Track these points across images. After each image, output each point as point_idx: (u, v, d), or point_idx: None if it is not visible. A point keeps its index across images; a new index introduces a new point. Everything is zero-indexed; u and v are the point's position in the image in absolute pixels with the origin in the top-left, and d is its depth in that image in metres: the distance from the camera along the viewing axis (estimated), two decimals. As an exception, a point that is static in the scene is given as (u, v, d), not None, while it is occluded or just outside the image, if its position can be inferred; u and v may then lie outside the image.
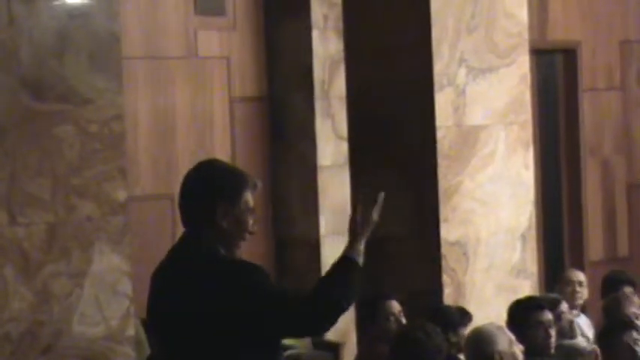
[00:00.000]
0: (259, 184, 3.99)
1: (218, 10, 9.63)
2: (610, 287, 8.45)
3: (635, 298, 8.03)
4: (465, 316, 6.83)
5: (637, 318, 7.60)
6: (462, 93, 7.47)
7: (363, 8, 8.02)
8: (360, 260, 3.81)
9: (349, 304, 3.94)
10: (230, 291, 3.78)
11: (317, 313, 3.85)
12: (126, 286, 6.32)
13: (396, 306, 6.75)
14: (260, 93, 10.13)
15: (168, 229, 7.05)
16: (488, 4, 7.75)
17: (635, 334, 6.60)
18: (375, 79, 7.89)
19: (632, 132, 12.05)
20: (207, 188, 3.93)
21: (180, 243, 4.00)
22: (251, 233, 3.94)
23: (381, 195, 3.96)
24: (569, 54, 11.70)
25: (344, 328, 8.50)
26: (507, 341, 5.58)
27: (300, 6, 9.89)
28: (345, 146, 8.81)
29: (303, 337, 4.87)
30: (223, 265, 3.89)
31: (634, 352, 6.45)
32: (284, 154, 10.20)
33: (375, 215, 3.89)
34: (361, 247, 3.82)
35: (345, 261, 3.80)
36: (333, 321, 3.89)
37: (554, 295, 8.19)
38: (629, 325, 6.80)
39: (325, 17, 9.73)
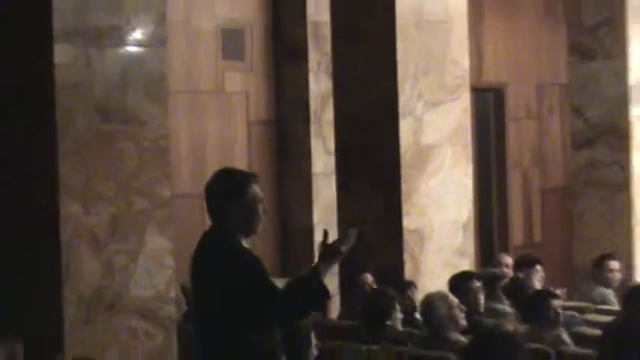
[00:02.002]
0: (259, 179, 3.86)
1: (239, 56, 9.60)
2: (522, 264, 8.20)
3: (542, 273, 7.92)
4: (411, 284, 6.97)
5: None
6: (419, 120, 7.57)
7: (347, 57, 7.94)
8: (322, 279, 3.66)
9: (303, 315, 3.98)
10: (231, 275, 3.69)
11: (279, 315, 3.81)
12: (169, 261, 6.34)
13: (369, 277, 6.85)
14: (270, 118, 10.05)
15: (199, 219, 6.74)
16: (440, 54, 7.76)
17: (555, 302, 6.39)
18: (355, 108, 7.83)
19: (544, 150, 11.73)
20: (218, 191, 3.85)
21: (207, 232, 3.92)
22: (261, 220, 3.84)
23: (354, 231, 3.81)
24: (498, 92, 11.58)
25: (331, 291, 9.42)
26: (447, 306, 5.70)
27: (300, 54, 9.71)
28: (332, 159, 8.72)
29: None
30: (236, 250, 3.79)
31: (557, 314, 6.20)
32: (287, 164, 10.03)
33: (344, 249, 3.73)
34: (326, 270, 3.66)
35: (309, 282, 3.69)
36: (290, 321, 4.02)
37: (488, 270, 8.04)
38: (551, 294, 6.47)
39: (318, 63, 9.53)
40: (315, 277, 3.67)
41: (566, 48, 10.52)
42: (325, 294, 3.74)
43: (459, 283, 6.54)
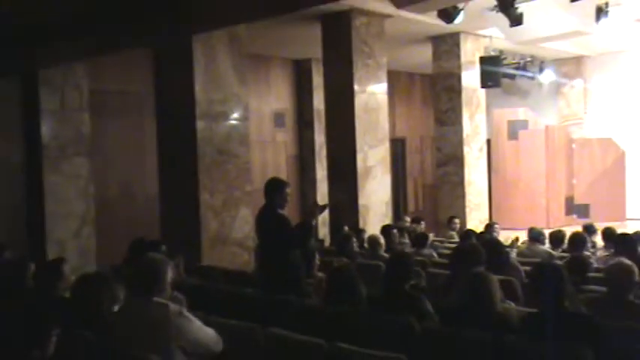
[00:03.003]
0: (289, 184, 5.08)
1: (282, 125, 11.65)
2: (414, 221, 9.93)
3: (424, 225, 9.55)
4: (363, 230, 8.19)
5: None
6: (366, 155, 9.16)
7: (331, 125, 9.47)
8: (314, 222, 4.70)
9: (308, 242, 4.84)
10: (279, 224, 4.85)
11: (299, 242, 4.75)
12: (250, 220, 7.49)
13: (345, 228, 7.91)
14: (296, 154, 11.90)
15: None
16: (374, 123, 9.25)
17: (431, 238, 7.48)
18: (335, 149, 9.38)
19: (424, 167, 13.77)
20: (271, 187, 4.95)
21: (263, 206, 4.93)
22: (288, 202, 4.93)
23: (327, 205, 5.37)
24: (402, 141, 13.44)
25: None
26: (380, 240, 6.92)
27: (310, 124, 11.80)
28: (325, 173, 9.97)
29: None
30: (277, 214, 4.85)
31: (426, 239, 7.29)
32: (304, 175, 11.99)
33: (319, 213, 4.98)
34: (314, 218, 4.81)
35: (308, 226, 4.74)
36: (304, 245, 4.83)
37: (399, 224, 9.60)
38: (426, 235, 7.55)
39: (319, 128, 11.42)
40: (309, 223, 4.78)
41: (433, 119, 11.53)
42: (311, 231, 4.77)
43: (385, 230, 7.81)
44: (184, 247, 6.49)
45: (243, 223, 8.11)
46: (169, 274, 3.22)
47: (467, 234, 7.42)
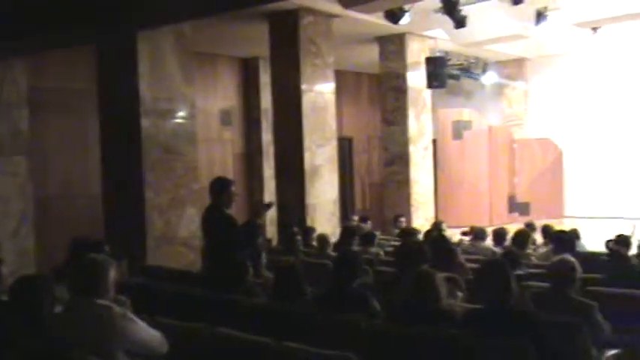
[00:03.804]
0: (235, 183, 5.14)
1: (229, 123, 11.57)
2: (362, 220, 9.99)
3: (370, 224, 9.54)
4: (313, 228, 8.23)
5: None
6: (314, 154, 9.12)
7: (279, 124, 9.42)
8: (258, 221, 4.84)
9: (252, 240, 4.83)
10: (225, 224, 4.88)
11: (244, 242, 4.77)
12: (196, 219, 7.21)
13: (294, 228, 7.65)
14: (243, 152, 11.86)
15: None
16: (322, 122, 9.23)
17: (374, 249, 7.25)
18: (283, 147, 9.33)
19: (371, 166, 13.83)
20: (218, 186, 4.99)
21: (209, 206, 5.00)
22: (234, 201, 4.95)
23: (273, 203, 5.52)
24: (350, 140, 13.59)
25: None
26: (326, 238, 7.10)
27: (257, 122, 11.78)
28: (273, 170, 10.00)
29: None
30: (224, 214, 4.90)
31: (373, 238, 7.32)
32: (251, 173, 11.86)
33: (264, 212, 5.19)
34: (260, 217, 5.04)
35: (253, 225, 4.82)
36: (249, 244, 4.83)
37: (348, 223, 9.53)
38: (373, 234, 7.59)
39: (266, 127, 11.43)
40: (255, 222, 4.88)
41: (380, 119, 11.59)
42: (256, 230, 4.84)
43: (345, 228, 8.01)
44: (129, 247, 6.42)
45: (190, 222, 8.03)
46: (112, 275, 3.15)
47: (404, 233, 7.48)
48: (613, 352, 3.67)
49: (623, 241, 6.29)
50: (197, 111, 8.89)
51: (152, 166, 7.79)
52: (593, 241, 7.48)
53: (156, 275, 5.85)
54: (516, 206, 13.27)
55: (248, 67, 11.86)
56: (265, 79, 10.70)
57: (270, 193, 10.75)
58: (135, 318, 3.11)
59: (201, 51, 10.21)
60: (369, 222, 9.83)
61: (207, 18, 7.74)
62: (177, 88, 8.05)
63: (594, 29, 9.80)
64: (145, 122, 7.69)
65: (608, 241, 6.66)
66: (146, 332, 3.13)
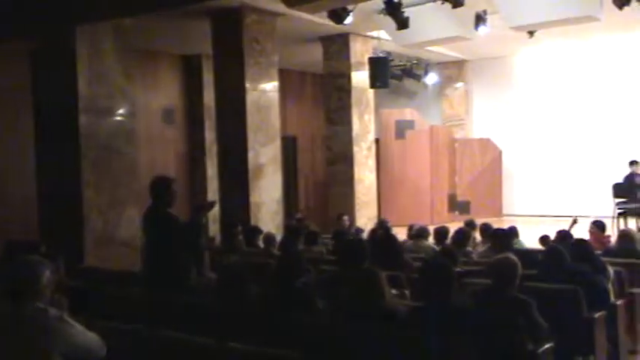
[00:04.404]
0: (176, 181, 4.91)
1: (172, 121, 11.48)
2: (303, 218, 10.19)
3: (314, 225, 8.99)
4: (257, 228, 7.95)
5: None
6: (258, 153, 9.13)
7: (223, 122, 9.26)
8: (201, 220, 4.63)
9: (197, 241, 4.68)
10: (167, 223, 4.71)
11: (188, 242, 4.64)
12: (137, 219, 6.90)
13: (239, 227, 7.61)
14: (186, 151, 11.72)
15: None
16: (267, 121, 9.27)
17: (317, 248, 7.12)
18: (227, 146, 9.27)
19: (315, 165, 13.77)
20: (158, 185, 4.79)
21: (151, 205, 4.82)
22: (176, 200, 4.75)
23: (215, 202, 5.23)
24: (294, 139, 13.57)
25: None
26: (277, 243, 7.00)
27: (200, 121, 11.61)
28: (216, 170, 9.97)
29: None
30: (165, 213, 4.73)
31: (316, 236, 7.16)
32: (195, 173, 11.76)
33: (206, 211, 4.92)
34: (202, 216, 4.76)
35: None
36: (194, 244, 4.68)
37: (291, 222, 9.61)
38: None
39: (209, 125, 11.20)
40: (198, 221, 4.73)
41: (323, 118, 11.79)
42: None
43: (288, 227, 8.21)
44: (66, 248, 6.23)
45: (130, 223, 7.96)
46: (47, 277, 3.01)
47: (336, 234, 7.42)
48: (547, 345, 3.70)
49: (563, 236, 6.45)
50: (138, 109, 8.81)
51: (91, 165, 7.68)
52: (531, 239, 7.64)
53: (94, 276, 5.70)
54: (457, 205, 13.57)
55: (191, 64, 11.73)
56: (208, 77, 10.56)
57: (213, 193, 10.66)
58: (72, 321, 3.00)
59: (143, 48, 10.07)
60: (307, 223, 9.66)
61: (148, 14, 7.63)
62: (117, 86, 7.93)
63: (530, 33, 10.11)
64: (83, 120, 7.56)
65: (543, 237, 6.83)
66: (83, 335, 3.03)
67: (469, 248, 6.57)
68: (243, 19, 8.91)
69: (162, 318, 3.90)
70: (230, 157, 9.16)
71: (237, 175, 9.04)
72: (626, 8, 8.30)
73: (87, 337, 3.04)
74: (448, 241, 7.15)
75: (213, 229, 10.33)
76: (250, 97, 9.02)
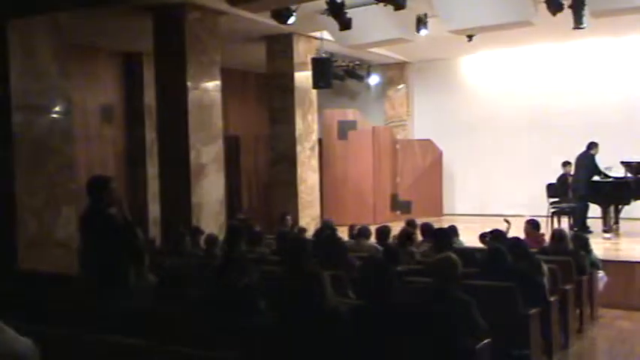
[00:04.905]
0: (115, 180, 4.81)
1: (110, 120, 11.08)
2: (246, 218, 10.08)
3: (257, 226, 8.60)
4: (199, 229, 7.90)
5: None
6: (200, 153, 9.02)
7: (163, 121, 9.14)
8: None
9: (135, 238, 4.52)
10: (106, 224, 4.62)
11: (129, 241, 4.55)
12: (74, 220, 7.17)
13: (181, 225, 7.71)
14: (125, 150, 11.46)
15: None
16: (208, 121, 9.15)
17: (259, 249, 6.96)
18: (167, 145, 9.14)
19: (258, 166, 13.71)
20: (96, 185, 4.72)
21: (90, 204, 4.74)
22: (113, 201, 4.63)
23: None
24: (237, 138, 13.45)
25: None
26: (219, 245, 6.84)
27: (141, 119, 11.42)
28: (157, 170, 9.53)
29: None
30: (104, 213, 4.65)
31: (260, 237, 7.11)
32: (134, 171, 11.45)
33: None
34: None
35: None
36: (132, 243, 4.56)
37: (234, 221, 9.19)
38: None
39: (149, 124, 11.04)
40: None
41: (267, 118, 11.71)
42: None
43: (231, 227, 7.30)
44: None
45: (67, 223, 7.82)
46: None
47: (280, 234, 7.44)
48: (485, 342, 3.77)
49: (498, 236, 6.60)
50: (75, 107, 8.77)
51: (25, 164, 7.49)
52: (470, 238, 7.78)
53: (28, 279, 5.58)
54: (398, 205, 13.72)
55: (131, 62, 11.52)
56: (149, 75, 10.39)
57: (153, 193, 10.44)
58: (3, 326, 2.85)
59: (81, 44, 9.88)
60: (250, 223, 9.55)
61: (86, 10, 7.46)
62: (52, 82, 7.75)
63: (469, 37, 10.33)
64: (16, 118, 7.40)
65: (483, 235, 7.01)
66: (16, 341, 2.82)
67: (413, 248, 6.64)
68: (186, 17, 8.80)
69: (101, 321, 3.82)
70: (171, 157, 9.02)
71: (178, 175, 8.91)
72: (559, 15, 8.58)
73: (19, 342, 2.84)
74: (390, 240, 7.22)
75: (154, 230, 10.22)
76: (192, 96, 8.89)
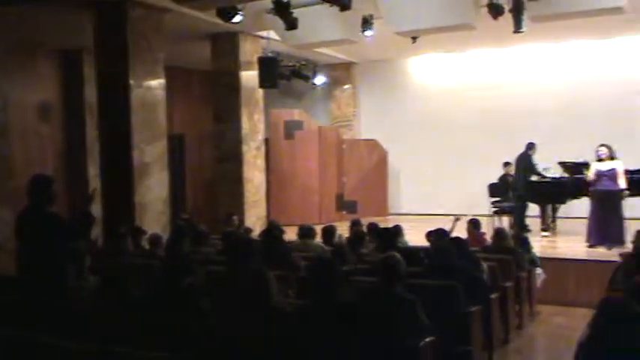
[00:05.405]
0: (55, 180, 4.83)
1: (49, 117, 10.76)
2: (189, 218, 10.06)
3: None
4: (141, 229, 7.85)
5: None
6: (143, 152, 8.77)
7: (105, 120, 9.02)
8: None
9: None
10: (47, 224, 4.60)
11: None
12: (11, 222, 7.96)
13: (122, 228, 7.55)
14: (64, 149, 11.15)
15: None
16: (153, 119, 8.95)
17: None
18: (108, 144, 9.01)
19: (203, 164, 13.44)
20: (36, 185, 4.69)
21: (29, 205, 4.72)
22: (55, 200, 4.67)
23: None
24: (181, 136, 13.43)
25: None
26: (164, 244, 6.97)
27: (83, 118, 11.12)
28: (98, 169, 9.46)
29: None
30: (45, 214, 4.62)
31: (202, 236, 7.26)
32: (74, 171, 11.12)
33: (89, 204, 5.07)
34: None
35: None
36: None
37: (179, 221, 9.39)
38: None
39: (90, 123, 10.83)
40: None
41: (212, 117, 11.58)
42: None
43: (175, 227, 7.86)
44: None
45: (3, 224, 7.76)
46: None
47: (226, 234, 7.42)
48: (428, 339, 3.84)
49: (441, 234, 6.71)
50: (11, 103, 8.49)
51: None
52: (415, 237, 7.90)
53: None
54: (344, 204, 13.80)
55: (71, 58, 11.24)
56: (90, 72, 10.15)
57: (95, 193, 10.13)
58: None
59: (19, 39, 9.65)
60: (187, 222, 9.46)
61: (25, 4, 7.24)
62: (-13, 78, 7.57)
63: (414, 39, 10.50)
64: (-54, 115, 7.16)
65: (429, 233, 7.11)
66: None
67: (364, 250, 6.69)
68: (128, 14, 8.65)
69: (41, 323, 3.77)
70: (113, 156, 8.85)
71: (120, 175, 8.75)
72: (501, 20, 8.79)
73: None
74: (336, 239, 7.30)
75: (95, 230, 10.02)
76: (135, 94, 8.74)
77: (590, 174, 8.97)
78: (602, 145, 8.90)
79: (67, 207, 9.96)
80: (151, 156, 9.03)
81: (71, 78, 11.28)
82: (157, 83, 9.17)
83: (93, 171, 10.50)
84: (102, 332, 3.54)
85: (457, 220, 7.73)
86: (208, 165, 13.01)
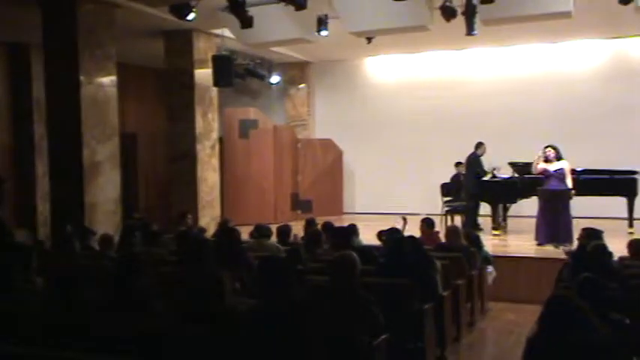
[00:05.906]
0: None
1: None
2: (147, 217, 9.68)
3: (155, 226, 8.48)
4: (90, 230, 7.69)
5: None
6: (94, 150, 8.69)
7: (54, 118, 8.83)
8: None
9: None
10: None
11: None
12: None
13: (68, 228, 7.45)
14: (11, 147, 11.02)
15: None
16: (104, 117, 8.81)
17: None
18: (56, 142, 8.85)
19: (156, 162, 13.24)
20: None
21: None
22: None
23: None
24: (134, 136, 13.23)
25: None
26: (115, 245, 6.97)
27: (29, 115, 10.95)
28: (47, 167, 9.26)
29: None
30: None
31: (156, 237, 7.23)
32: (24, 170, 10.96)
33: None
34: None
35: None
36: None
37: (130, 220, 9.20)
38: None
39: (37, 119, 10.56)
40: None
41: (165, 116, 11.47)
42: None
43: (126, 227, 7.83)
44: None
45: None
46: None
47: (180, 234, 7.24)
48: (382, 337, 3.86)
49: (394, 234, 6.73)
50: None
51: None
52: (369, 236, 7.86)
53: None
54: (299, 204, 13.84)
55: (18, 53, 10.97)
56: (38, 68, 9.95)
57: (43, 192, 10.13)
58: None
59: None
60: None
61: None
62: None
63: (368, 39, 10.58)
64: None
65: (380, 233, 7.16)
66: None
67: (319, 250, 6.68)
68: (78, 9, 8.51)
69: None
70: (63, 155, 8.75)
71: (70, 174, 8.66)
72: (454, 22, 8.93)
73: None
74: (291, 239, 7.34)
75: (43, 231, 9.83)
76: (85, 92, 8.67)
77: (537, 165, 9.04)
78: (549, 146, 9.05)
79: (15, 207, 9.83)
80: (102, 155, 8.93)
81: (18, 74, 11.03)
82: (109, 80, 9.05)
83: (41, 170, 10.30)
84: (47, 335, 3.46)
85: (404, 219, 7.84)
86: (162, 164, 12.83)
